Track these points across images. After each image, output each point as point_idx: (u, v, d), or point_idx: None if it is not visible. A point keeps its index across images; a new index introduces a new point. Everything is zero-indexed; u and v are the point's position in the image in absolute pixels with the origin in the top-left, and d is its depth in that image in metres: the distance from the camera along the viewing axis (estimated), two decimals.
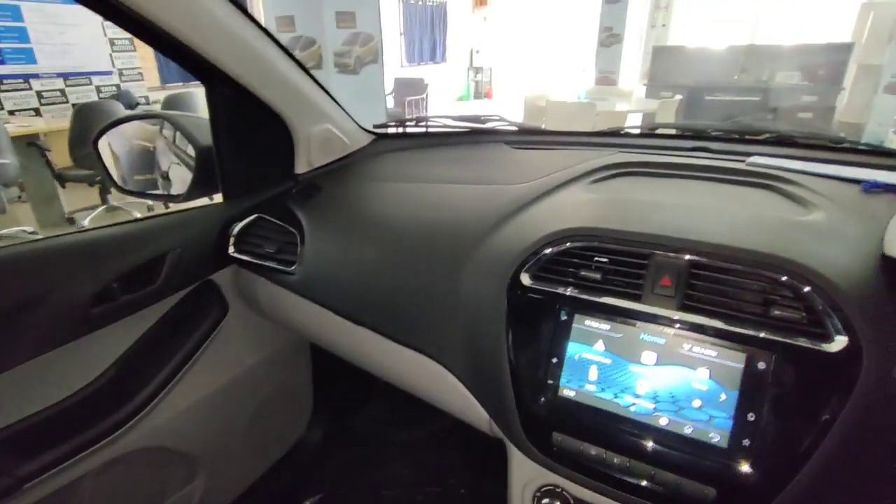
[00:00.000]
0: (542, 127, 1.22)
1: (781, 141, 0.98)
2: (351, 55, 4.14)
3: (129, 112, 4.15)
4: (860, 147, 0.93)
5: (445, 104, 11.07)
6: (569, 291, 0.65)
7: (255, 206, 1.04)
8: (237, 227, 1.01)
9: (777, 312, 0.55)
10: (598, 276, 0.64)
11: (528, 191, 0.85)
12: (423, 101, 7.26)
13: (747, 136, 1.01)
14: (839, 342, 0.52)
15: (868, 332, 0.51)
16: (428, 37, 10.69)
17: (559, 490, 0.69)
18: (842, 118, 6.22)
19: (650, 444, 0.59)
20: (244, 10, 0.86)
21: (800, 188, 0.76)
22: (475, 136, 1.21)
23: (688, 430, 0.57)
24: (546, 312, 0.66)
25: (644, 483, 0.59)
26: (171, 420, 0.97)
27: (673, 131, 1.11)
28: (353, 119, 1.20)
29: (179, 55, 0.82)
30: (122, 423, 0.87)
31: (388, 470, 1.40)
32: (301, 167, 1.10)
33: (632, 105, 5.24)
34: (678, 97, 5.26)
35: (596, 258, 0.66)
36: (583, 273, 0.65)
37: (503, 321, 0.68)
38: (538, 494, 0.71)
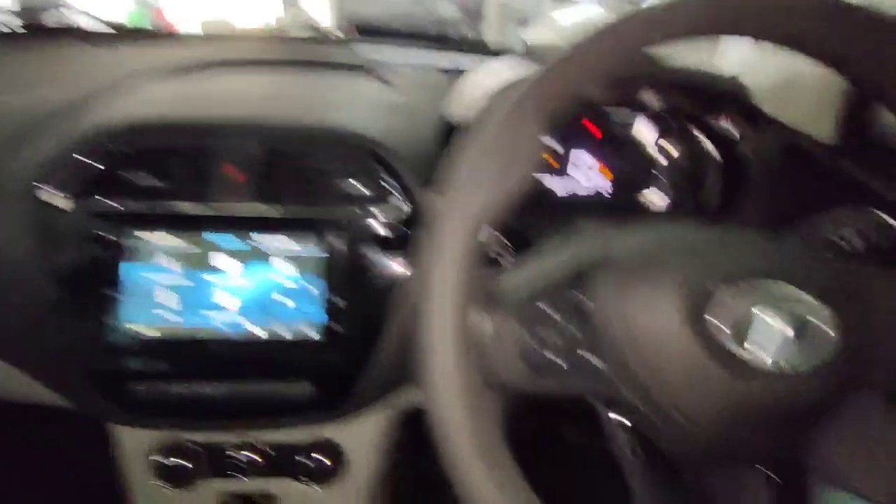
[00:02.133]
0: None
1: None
2: None
3: None
4: (458, 42, 1.02)
5: None
6: (123, 206, 0.50)
7: None
8: None
9: (350, 191, 0.53)
10: (161, 183, 0.51)
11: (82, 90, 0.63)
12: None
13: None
14: (401, 209, 0.52)
15: (421, 195, 0.53)
16: None
17: (174, 444, 0.58)
18: None
19: (246, 362, 0.52)
20: None
21: (393, 73, 0.76)
22: None
23: (286, 335, 0.52)
24: (93, 237, 0.50)
25: (244, 406, 0.53)
26: None
27: None
28: None
29: None
30: None
31: None
32: None
33: None
34: None
35: (158, 159, 0.52)
36: (142, 182, 0.51)
37: (29, 259, 0.49)
38: (155, 460, 0.58)
